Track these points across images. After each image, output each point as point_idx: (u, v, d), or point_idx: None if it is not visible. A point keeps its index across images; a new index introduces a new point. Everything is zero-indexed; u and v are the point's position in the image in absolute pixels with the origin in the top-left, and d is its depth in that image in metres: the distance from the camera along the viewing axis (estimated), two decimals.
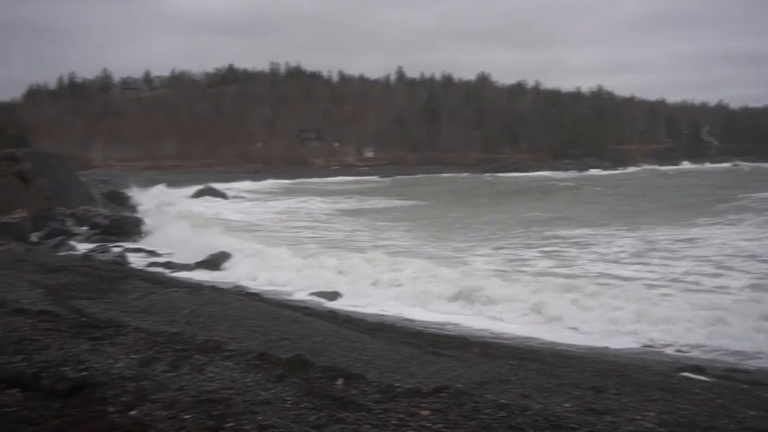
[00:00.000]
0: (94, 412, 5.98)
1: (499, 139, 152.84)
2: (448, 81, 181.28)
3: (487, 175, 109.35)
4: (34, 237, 29.00)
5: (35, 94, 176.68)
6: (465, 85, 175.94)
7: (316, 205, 56.94)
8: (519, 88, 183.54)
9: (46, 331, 8.97)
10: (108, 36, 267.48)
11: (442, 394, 7.39)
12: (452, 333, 13.46)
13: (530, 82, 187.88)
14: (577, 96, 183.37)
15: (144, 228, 32.69)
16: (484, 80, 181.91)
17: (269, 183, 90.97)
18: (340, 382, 7.42)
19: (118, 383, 6.85)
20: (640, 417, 6.39)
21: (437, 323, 15.20)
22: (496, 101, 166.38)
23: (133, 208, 46.04)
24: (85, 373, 7.06)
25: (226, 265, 23.39)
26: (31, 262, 18.26)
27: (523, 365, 9.40)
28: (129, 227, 32.10)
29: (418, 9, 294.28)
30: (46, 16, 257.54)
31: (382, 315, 15.99)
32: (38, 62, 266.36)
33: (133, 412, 6.15)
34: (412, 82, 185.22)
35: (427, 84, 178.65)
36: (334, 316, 13.79)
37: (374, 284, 19.65)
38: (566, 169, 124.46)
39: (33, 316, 9.91)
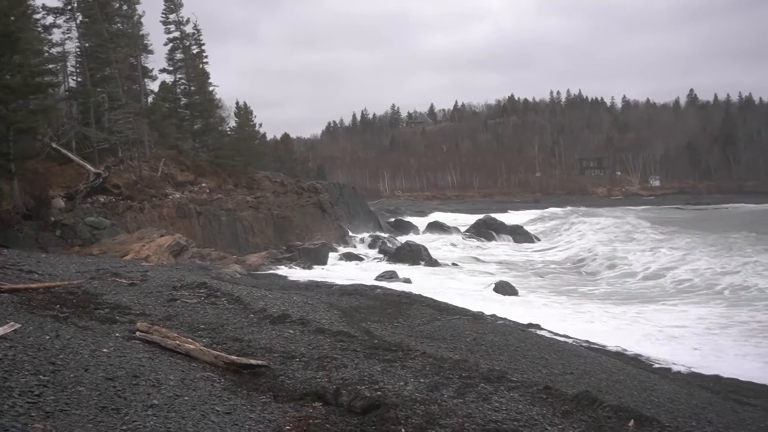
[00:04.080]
0: None
1: None
2: (747, 103, 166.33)
3: None
4: (330, 260, 31.51)
5: (332, 131, 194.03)
6: (767, 107, 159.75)
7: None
8: None
9: (343, 351, 9.64)
10: (377, 77, 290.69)
11: None
12: (757, 381, 12.12)
13: None
14: None
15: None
16: None
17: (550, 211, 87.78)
18: (631, 423, 7.03)
19: (409, 405, 7.12)
20: None
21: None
22: None
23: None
24: (379, 393, 7.45)
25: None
26: (328, 285, 19.82)
27: None
28: (414, 254, 33.54)
29: (670, 32, 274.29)
30: (330, 64, 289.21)
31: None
32: (335, 103, 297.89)
33: None
34: (705, 106, 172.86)
35: (722, 107, 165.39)
36: (621, 353, 13.13)
37: None
38: None
39: (331, 335, 10.70)
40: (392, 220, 60.74)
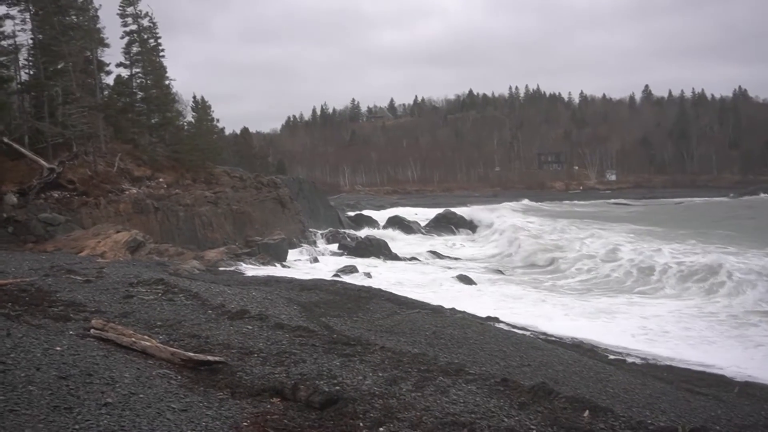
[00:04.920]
0: (346, 426, 6.27)
1: (760, 158, 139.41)
2: (700, 99, 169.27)
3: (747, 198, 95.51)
4: (290, 256, 31.35)
5: (292, 126, 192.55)
6: (720, 102, 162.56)
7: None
8: None
9: (302, 346, 9.59)
10: (335, 72, 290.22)
11: None
12: (708, 370, 12.40)
13: None
14: None
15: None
16: (741, 96, 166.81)
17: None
18: (586, 414, 7.12)
19: (367, 399, 7.12)
20: None
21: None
22: (756, 118, 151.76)
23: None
24: (337, 388, 7.44)
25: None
26: (288, 280, 19.72)
27: None
28: (374, 248, 33.58)
29: (624, 29, 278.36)
30: (287, 59, 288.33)
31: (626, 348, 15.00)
32: (295, 98, 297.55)
33: (381, 429, 6.35)
34: (660, 101, 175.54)
35: (676, 102, 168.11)
36: (577, 345, 13.31)
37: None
38: None
39: (290, 330, 10.65)
40: (352, 214, 60.67)
